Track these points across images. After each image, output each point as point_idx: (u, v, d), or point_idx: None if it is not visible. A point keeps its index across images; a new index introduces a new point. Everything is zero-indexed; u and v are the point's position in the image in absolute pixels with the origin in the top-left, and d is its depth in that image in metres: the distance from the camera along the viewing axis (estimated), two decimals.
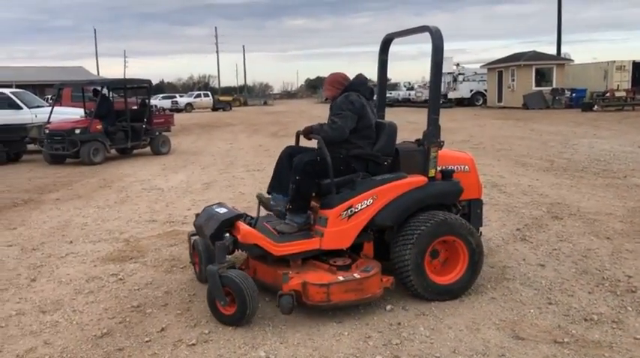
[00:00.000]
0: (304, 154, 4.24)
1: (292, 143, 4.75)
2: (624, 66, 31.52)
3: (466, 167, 4.52)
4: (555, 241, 5.46)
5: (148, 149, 14.32)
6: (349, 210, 3.92)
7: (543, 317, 3.75)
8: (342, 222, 3.91)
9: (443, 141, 4.23)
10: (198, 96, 51.26)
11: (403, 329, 3.63)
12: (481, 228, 4.63)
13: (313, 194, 4.19)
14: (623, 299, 4.01)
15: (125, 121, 13.43)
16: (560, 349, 3.31)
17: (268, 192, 4.54)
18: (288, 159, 4.40)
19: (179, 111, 42.85)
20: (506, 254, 5.11)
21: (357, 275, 3.78)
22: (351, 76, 4.53)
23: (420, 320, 3.76)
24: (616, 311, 3.83)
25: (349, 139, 4.18)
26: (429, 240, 3.94)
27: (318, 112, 34.45)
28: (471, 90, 38.05)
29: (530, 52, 34.08)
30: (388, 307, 3.93)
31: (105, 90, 14.00)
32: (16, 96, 16.29)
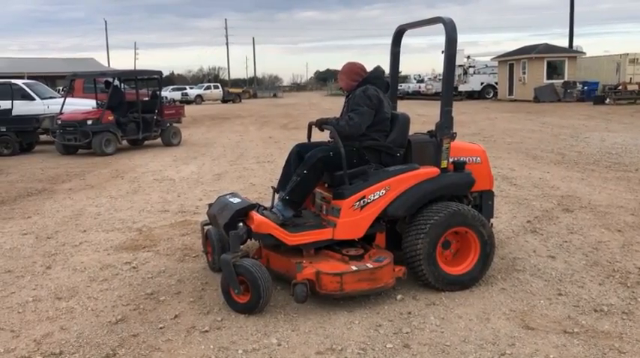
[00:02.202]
0: (318, 149, 4.21)
1: (302, 136, 4.77)
2: (637, 59, 31.24)
3: (478, 158, 4.53)
4: (566, 233, 5.47)
5: (158, 140, 14.40)
6: (362, 201, 3.94)
7: (553, 308, 3.77)
8: (355, 213, 3.94)
9: (455, 133, 4.24)
10: (208, 88, 51.36)
11: (414, 318, 3.66)
12: (492, 220, 4.65)
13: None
14: (633, 291, 4.02)
15: (136, 113, 13.51)
16: (570, 339, 3.33)
17: (277, 191, 4.51)
18: (297, 157, 4.41)
19: (189, 102, 42.99)
20: (516, 245, 5.13)
21: (369, 265, 3.81)
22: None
23: (431, 309, 3.79)
24: (626, 302, 3.84)
25: (364, 132, 4.20)
26: (442, 230, 3.96)
27: (328, 105, 34.45)
28: (482, 83, 37.85)
29: (542, 44, 33.84)
30: (399, 296, 3.96)
31: (116, 82, 14.07)
32: (29, 88, 16.42)
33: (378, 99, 4.19)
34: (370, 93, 4.18)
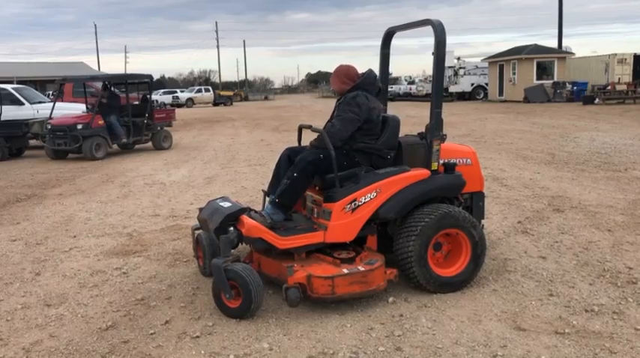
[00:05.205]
0: (308, 153, 4.21)
1: (294, 138, 4.75)
2: (625, 59, 31.53)
3: (468, 160, 4.54)
4: (556, 234, 5.49)
5: (149, 144, 14.35)
6: (353, 204, 3.94)
7: (544, 309, 3.78)
8: (346, 215, 3.94)
9: (445, 135, 4.25)
10: (199, 91, 51.30)
11: (405, 320, 3.66)
12: (483, 221, 4.66)
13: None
14: (623, 291, 4.04)
15: (127, 117, 13.44)
16: (562, 340, 3.34)
17: (267, 194, 4.49)
18: (287, 161, 4.40)
19: (180, 106, 42.86)
20: (507, 246, 5.14)
21: (361, 268, 3.81)
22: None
23: (422, 311, 3.79)
24: (617, 302, 3.86)
25: (354, 136, 4.18)
26: (433, 232, 3.96)
27: (319, 107, 34.48)
28: (472, 84, 38.03)
29: (532, 45, 34.04)
30: (390, 299, 3.96)
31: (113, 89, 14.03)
32: (18, 92, 16.31)
33: (367, 108, 4.16)
34: (360, 101, 4.15)
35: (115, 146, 13.58)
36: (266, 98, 62.93)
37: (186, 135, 18.64)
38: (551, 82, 31.13)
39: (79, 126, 12.53)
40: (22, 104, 15.84)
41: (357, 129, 4.16)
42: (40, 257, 5.30)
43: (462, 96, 37.29)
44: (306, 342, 3.41)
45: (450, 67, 36.61)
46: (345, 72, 4.37)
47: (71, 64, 45.02)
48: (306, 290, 3.72)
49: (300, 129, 4.76)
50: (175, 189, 8.69)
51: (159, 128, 14.47)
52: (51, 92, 25.66)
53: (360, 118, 4.13)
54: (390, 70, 5.21)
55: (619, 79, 30.08)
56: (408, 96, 40.82)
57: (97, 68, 54.97)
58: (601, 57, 33.29)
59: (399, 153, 4.30)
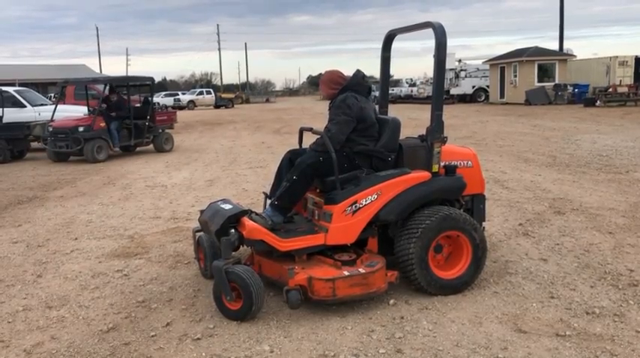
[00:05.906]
0: (308, 155, 4.23)
1: (295, 141, 4.77)
2: (627, 61, 31.51)
3: (469, 162, 4.54)
4: (558, 236, 5.48)
5: (151, 146, 14.36)
6: (354, 206, 3.94)
7: (545, 311, 3.78)
8: (347, 218, 3.94)
9: (446, 137, 4.25)
10: (201, 93, 51.32)
11: (406, 323, 3.66)
12: (484, 223, 4.66)
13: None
14: (625, 293, 4.04)
15: (128, 119, 13.45)
16: (562, 342, 3.34)
17: (269, 197, 4.51)
18: (289, 163, 4.41)
19: (181, 108, 42.88)
20: (508, 248, 5.14)
21: (362, 270, 3.81)
22: (351, 72, 4.51)
23: (423, 314, 3.79)
24: (618, 304, 3.85)
25: (352, 138, 4.20)
26: (433, 234, 3.96)
27: (321, 109, 34.43)
28: (473, 87, 38.01)
29: (533, 47, 34.03)
30: (391, 301, 3.96)
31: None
32: (20, 95, 16.32)
33: (358, 108, 4.19)
34: (349, 102, 4.18)
35: (116, 149, 13.59)
36: (267, 100, 63.01)
37: (187, 137, 18.66)
38: (553, 84, 31.13)
39: (81, 129, 12.55)
40: (24, 106, 15.85)
41: (353, 131, 4.18)
42: (42, 259, 5.31)
43: (463, 99, 37.27)
44: (307, 344, 3.41)
45: (451, 70, 36.60)
46: (330, 78, 4.45)
47: (73, 66, 45.05)
48: (307, 293, 3.72)
49: (301, 132, 4.77)
50: (176, 191, 8.70)
51: (160, 130, 14.48)
52: (53, 94, 25.71)
53: (352, 119, 4.16)
54: (391, 72, 5.22)
55: (620, 81, 30.03)
56: (409, 99, 40.75)
57: (98, 70, 55.04)
58: (602, 59, 33.27)
59: (400, 156, 4.30)
